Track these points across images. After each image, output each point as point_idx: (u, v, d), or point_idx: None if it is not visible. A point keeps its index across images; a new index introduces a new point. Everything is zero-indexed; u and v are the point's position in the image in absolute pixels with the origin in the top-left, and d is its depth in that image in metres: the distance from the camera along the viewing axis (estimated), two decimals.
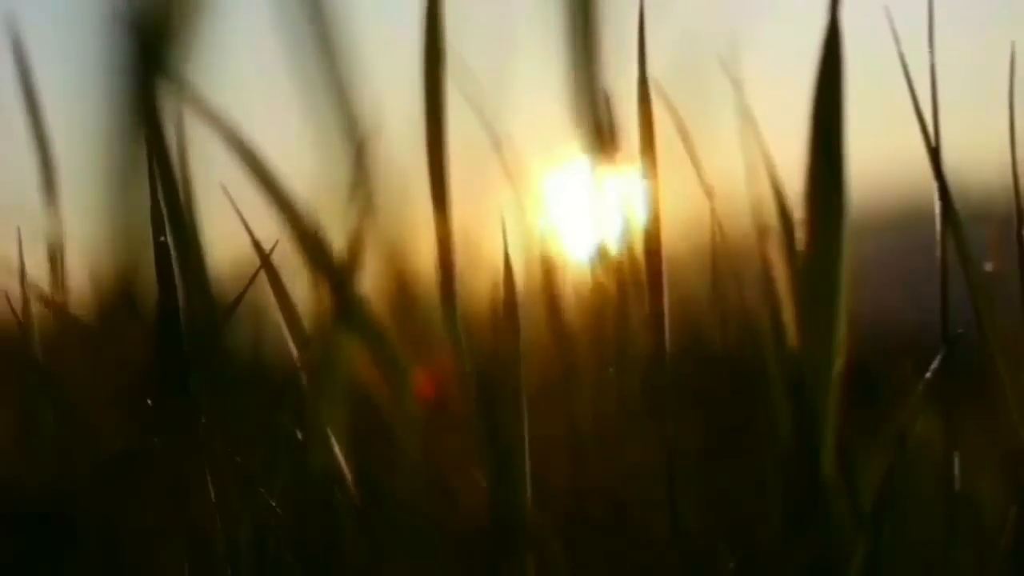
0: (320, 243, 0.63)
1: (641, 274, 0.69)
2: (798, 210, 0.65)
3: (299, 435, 0.74)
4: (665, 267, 0.69)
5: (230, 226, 0.73)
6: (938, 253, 0.69)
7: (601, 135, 0.67)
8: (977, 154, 0.78)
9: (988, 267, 0.72)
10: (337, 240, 0.64)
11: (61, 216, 0.78)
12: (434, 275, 0.67)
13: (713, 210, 0.71)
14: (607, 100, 0.67)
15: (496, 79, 0.66)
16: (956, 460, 0.69)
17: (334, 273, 0.64)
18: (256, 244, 0.74)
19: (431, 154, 0.66)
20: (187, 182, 0.69)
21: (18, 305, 0.78)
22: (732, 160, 0.69)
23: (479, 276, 0.71)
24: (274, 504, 0.72)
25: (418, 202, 0.66)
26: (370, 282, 0.65)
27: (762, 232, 0.67)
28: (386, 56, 0.63)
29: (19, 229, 0.80)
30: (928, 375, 0.68)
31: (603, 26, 0.64)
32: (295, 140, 0.63)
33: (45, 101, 0.79)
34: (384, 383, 0.65)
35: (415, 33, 0.67)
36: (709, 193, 0.71)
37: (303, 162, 0.62)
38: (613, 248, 0.70)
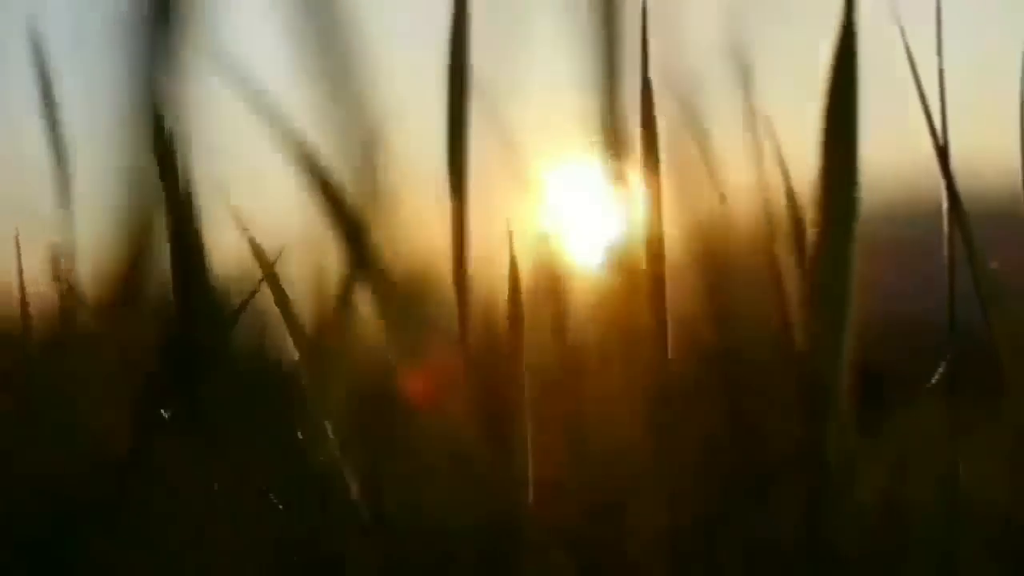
0: (341, 194, 0.63)
1: (646, 275, 0.69)
2: (809, 210, 0.65)
3: (300, 435, 0.74)
4: (669, 267, 0.69)
5: (229, 227, 0.73)
6: (946, 252, 0.69)
7: (616, 136, 0.67)
8: (985, 153, 0.78)
9: (995, 266, 0.72)
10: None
11: (72, 214, 0.78)
12: (439, 273, 0.67)
13: (723, 210, 0.71)
14: (625, 101, 0.67)
15: (510, 78, 0.66)
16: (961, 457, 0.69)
17: (353, 225, 0.63)
18: (256, 247, 0.74)
19: (452, 147, 0.67)
20: (191, 183, 0.69)
21: (19, 304, 0.78)
22: (742, 161, 0.69)
23: (486, 275, 0.71)
24: (277, 503, 0.72)
25: (425, 196, 0.66)
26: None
27: (772, 231, 0.67)
28: (392, 51, 0.63)
29: (20, 229, 0.80)
30: (936, 373, 0.68)
31: (624, 27, 0.64)
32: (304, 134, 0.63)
33: (60, 97, 0.79)
34: (393, 343, 0.65)
35: (420, 28, 0.67)
36: (719, 193, 0.71)
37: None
38: (620, 249, 0.70)
